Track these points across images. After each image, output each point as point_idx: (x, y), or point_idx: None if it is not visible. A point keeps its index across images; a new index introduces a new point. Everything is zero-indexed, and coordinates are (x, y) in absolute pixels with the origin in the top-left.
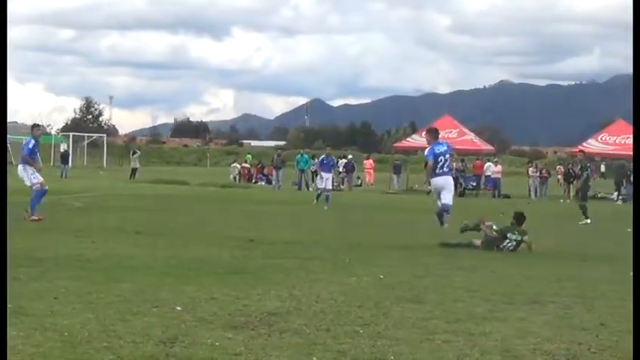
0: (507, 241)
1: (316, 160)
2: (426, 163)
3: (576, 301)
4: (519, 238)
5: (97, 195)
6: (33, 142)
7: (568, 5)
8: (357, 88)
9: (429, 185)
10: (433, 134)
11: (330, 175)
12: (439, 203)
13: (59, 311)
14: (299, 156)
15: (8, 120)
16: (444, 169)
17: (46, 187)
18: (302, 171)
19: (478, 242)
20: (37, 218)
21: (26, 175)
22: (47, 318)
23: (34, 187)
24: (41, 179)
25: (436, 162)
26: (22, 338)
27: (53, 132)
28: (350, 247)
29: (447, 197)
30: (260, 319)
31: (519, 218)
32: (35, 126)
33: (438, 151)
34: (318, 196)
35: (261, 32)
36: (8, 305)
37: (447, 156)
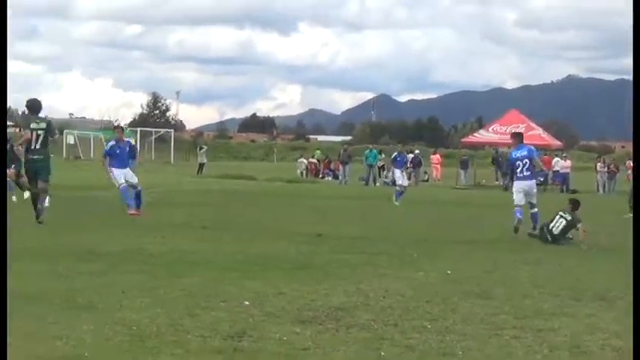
0: (558, 217)
1: (382, 155)
2: (493, 159)
3: None
4: (569, 218)
5: (164, 190)
6: (112, 143)
7: None
8: (424, 83)
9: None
10: (516, 138)
11: (401, 172)
12: (518, 209)
13: (127, 305)
14: (367, 151)
15: (77, 115)
16: (524, 172)
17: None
18: (370, 166)
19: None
20: (133, 212)
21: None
22: (116, 312)
23: (122, 187)
24: (120, 180)
25: (514, 166)
26: (92, 332)
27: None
28: (417, 243)
29: (533, 199)
30: (327, 314)
31: (574, 204)
32: (116, 127)
33: (515, 156)
34: (400, 193)
35: (327, 27)
36: (78, 299)
37: (526, 160)
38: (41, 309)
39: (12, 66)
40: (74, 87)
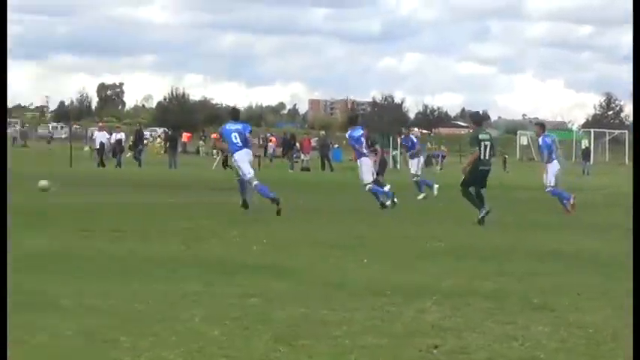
0: None
1: None
2: None
3: None
4: None
5: (614, 192)
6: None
7: None
8: None
9: None
10: None
11: None
12: None
13: (583, 307)
14: None
15: (530, 116)
16: None
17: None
18: None
19: None
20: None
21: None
22: (571, 314)
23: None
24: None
25: None
26: (547, 334)
27: (574, 128)
28: None
29: None
30: None
31: None
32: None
33: None
34: None
35: None
36: (533, 300)
37: None
38: (497, 308)
39: (464, 67)
40: (526, 88)
